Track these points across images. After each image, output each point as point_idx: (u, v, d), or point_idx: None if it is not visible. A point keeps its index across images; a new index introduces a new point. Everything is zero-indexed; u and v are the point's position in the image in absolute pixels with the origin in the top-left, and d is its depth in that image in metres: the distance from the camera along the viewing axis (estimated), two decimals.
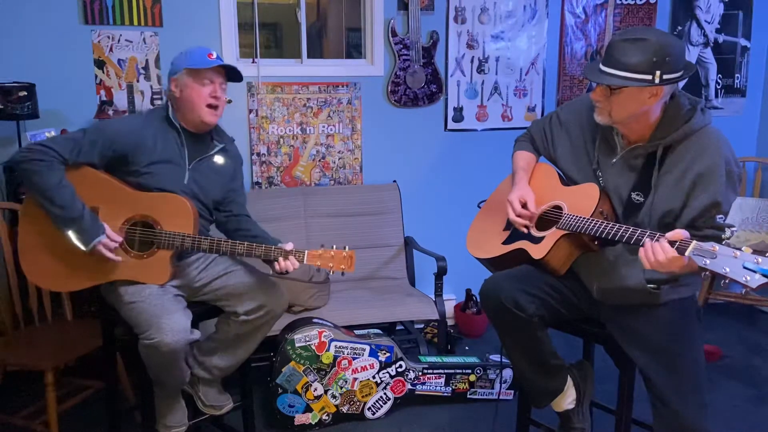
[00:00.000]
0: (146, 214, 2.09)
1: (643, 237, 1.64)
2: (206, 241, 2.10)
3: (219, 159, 2.27)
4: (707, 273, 1.51)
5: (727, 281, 1.46)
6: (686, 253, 1.52)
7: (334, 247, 2.11)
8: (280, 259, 2.09)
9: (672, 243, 1.56)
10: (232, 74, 2.23)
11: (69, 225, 2.01)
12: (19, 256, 2.13)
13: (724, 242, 1.50)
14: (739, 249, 1.44)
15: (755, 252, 1.43)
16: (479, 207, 2.31)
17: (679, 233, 1.57)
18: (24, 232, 2.12)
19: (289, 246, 2.11)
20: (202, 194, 2.21)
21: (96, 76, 3.10)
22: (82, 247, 2.01)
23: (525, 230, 2.00)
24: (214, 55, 2.15)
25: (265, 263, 2.17)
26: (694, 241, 1.52)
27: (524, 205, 2.01)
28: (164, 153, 2.14)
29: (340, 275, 2.16)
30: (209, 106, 2.14)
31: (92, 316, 2.80)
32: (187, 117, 2.17)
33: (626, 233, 1.69)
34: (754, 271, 1.41)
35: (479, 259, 2.17)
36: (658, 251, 1.57)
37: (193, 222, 2.10)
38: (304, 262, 2.10)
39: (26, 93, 2.77)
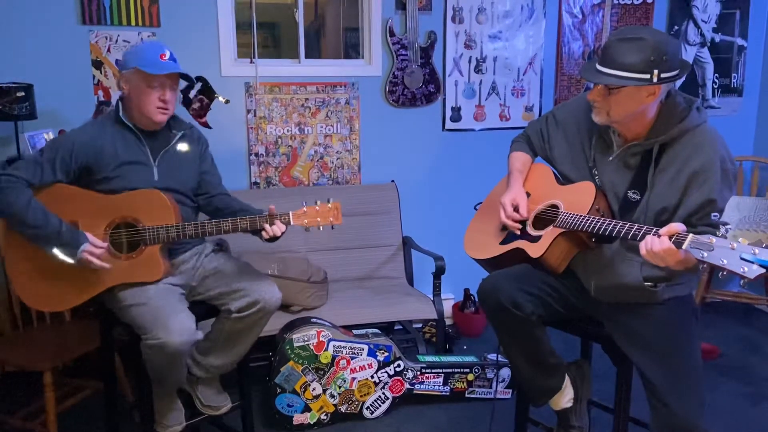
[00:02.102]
0: (125, 214, 2.09)
1: (639, 232, 1.65)
2: (191, 227, 2.09)
3: (182, 147, 2.25)
4: (705, 266, 1.51)
5: (724, 273, 1.47)
6: (683, 246, 1.52)
7: (318, 202, 2.09)
8: (266, 225, 2.08)
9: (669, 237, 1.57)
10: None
11: (49, 242, 2.00)
12: (14, 285, 2.13)
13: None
14: (736, 241, 1.45)
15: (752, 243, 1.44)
16: (476, 209, 2.32)
17: (674, 227, 1.57)
18: (11, 261, 2.11)
19: (271, 209, 2.09)
20: (177, 185, 2.21)
21: (94, 77, 3.10)
22: (69, 260, 2.00)
23: (517, 232, 2.01)
24: (167, 56, 2.10)
25: (254, 236, 2.15)
26: (691, 234, 1.53)
27: (516, 209, 2.02)
28: (127, 155, 2.12)
29: (330, 228, 2.11)
30: (158, 107, 2.11)
31: (90, 317, 2.80)
32: (136, 116, 2.15)
33: (623, 229, 1.70)
34: (752, 262, 1.41)
35: (477, 260, 2.18)
36: (655, 242, 1.58)
37: (173, 211, 2.09)
38: (291, 223, 2.08)
39: (24, 93, 2.77)
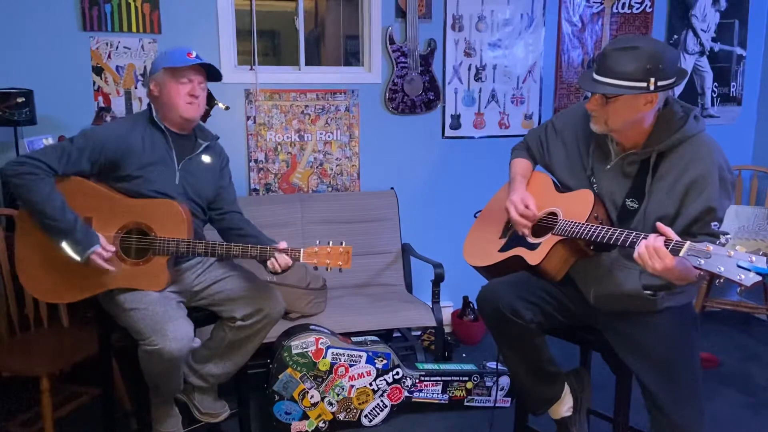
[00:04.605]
0: (140, 221, 2.09)
1: (637, 239, 1.65)
2: (201, 245, 2.09)
3: (206, 158, 2.27)
4: (701, 273, 1.51)
5: (721, 281, 1.47)
6: (680, 254, 1.53)
7: (330, 243, 2.09)
8: (274, 259, 2.08)
9: (666, 243, 1.57)
10: (211, 74, 2.23)
11: (62, 236, 2.00)
12: (17, 270, 2.13)
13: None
14: (734, 249, 1.46)
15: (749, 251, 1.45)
16: (475, 217, 2.32)
17: (671, 232, 1.58)
18: (20, 246, 2.12)
19: (282, 245, 2.10)
20: (194, 193, 2.21)
21: (94, 83, 3.11)
22: (77, 258, 2.00)
23: (527, 231, 2.00)
24: (194, 54, 2.15)
25: (260, 263, 2.15)
26: (688, 242, 1.53)
27: (526, 206, 2.02)
28: (153, 155, 2.14)
29: (338, 271, 2.11)
30: (188, 103, 2.14)
31: (88, 322, 2.79)
32: (168, 116, 2.17)
33: (620, 236, 1.70)
34: (749, 270, 1.42)
35: (476, 268, 2.18)
36: (649, 238, 1.59)
37: (187, 226, 2.10)
38: (300, 260, 2.08)
39: (24, 99, 2.78)
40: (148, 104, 2.22)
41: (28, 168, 1.98)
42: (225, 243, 2.13)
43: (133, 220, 2.09)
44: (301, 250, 2.09)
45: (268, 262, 2.09)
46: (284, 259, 2.07)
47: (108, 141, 2.09)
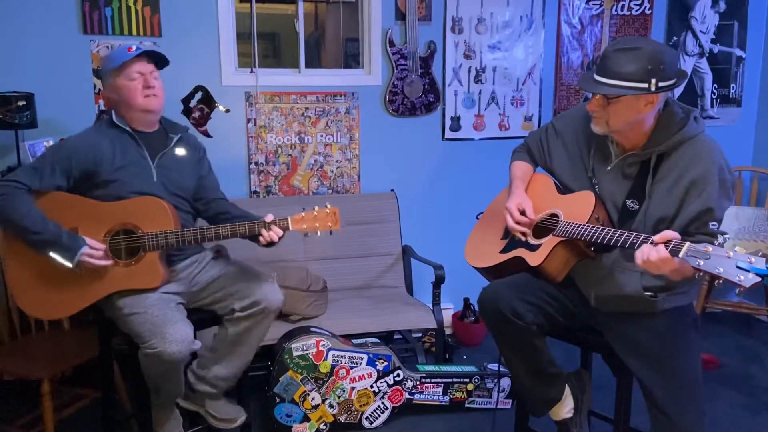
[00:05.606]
0: (125, 221, 2.10)
1: (636, 241, 1.65)
2: (190, 233, 2.10)
3: (180, 151, 2.27)
4: (701, 274, 1.52)
5: (720, 282, 1.47)
6: (680, 255, 1.53)
7: (316, 207, 2.10)
8: (264, 231, 2.08)
9: (665, 244, 1.57)
10: (161, 62, 2.22)
11: (49, 247, 2.02)
12: (14, 295, 2.13)
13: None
14: (733, 249, 1.46)
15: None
16: (478, 218, 2.33)
17: (667, 234, 1.58)
18: (12, 269, 2.12)
19: (269, 217, 2.11)
20: (175, 187, 2.22)
21: (95, 86, 3.11)
22: (69, 264, 2.01)
23: (523, 237, 2.01)
24: (134, 48, 2.14)
25: (252, 241, 2.15)
26: (688, 243, 1.53)
27: (522, 213, 2.02)
28: (125, 157, 2.14)
29: (329, 234, 2.12)
30: (146, 96, 2.13)
31: (89, 325, 2.79)
32: (131, 115, 2.17)
33: (621, 237, 1.70)
34: (747, 271, 1.42)
35: (477, 269, 2.18)
36: (651, 251, 1.59)
37: (172, 218, 2.10)
38: (290, 228, 2.09)
39: (25, 102, 2.78)
40: (110, 111, 2.21)
41: (2, 190, 2.00)
42: (213, 226, 2.13)
43: (118, 222, 2.10)
44: (288, 218, 2.10)
45: (260, 237, 2.09)
46: (276, 231, 2.08)
47: (77, 151, 2.10)
